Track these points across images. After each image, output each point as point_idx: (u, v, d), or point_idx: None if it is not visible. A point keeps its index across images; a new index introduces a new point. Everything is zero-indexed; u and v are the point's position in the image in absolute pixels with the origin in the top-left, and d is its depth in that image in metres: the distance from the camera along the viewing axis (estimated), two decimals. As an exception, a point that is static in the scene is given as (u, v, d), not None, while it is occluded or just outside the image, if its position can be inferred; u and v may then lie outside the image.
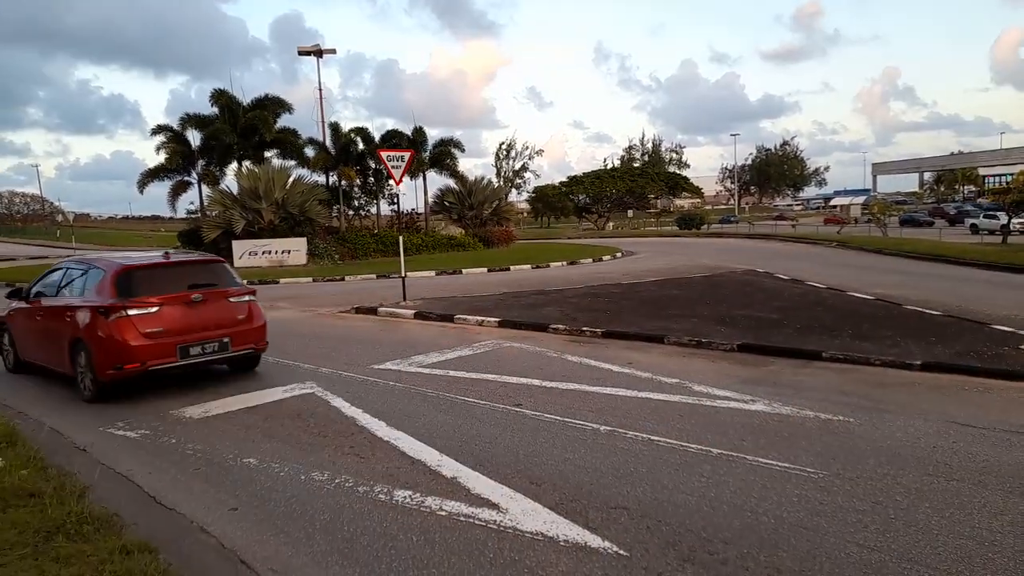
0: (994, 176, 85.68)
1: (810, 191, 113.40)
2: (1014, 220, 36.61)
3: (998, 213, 44.88)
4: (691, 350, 8.69)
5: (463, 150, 35.59)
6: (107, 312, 6.76)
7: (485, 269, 22.30)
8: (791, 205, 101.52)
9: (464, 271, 21.79)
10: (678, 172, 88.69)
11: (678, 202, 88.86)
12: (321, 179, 32.46)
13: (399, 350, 9.02)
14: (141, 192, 31.53)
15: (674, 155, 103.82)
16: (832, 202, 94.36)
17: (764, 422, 5.58)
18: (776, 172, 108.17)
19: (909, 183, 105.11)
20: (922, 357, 7.36)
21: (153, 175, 30.58)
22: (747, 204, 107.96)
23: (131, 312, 6.78)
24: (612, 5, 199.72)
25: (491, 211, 38.06)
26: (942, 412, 5.70)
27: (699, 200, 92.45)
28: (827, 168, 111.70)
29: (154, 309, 6.91)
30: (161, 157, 30.38)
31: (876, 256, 24.30)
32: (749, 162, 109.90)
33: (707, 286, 14.77)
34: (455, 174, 36.06)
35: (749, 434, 5.25)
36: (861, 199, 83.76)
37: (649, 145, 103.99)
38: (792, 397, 6.27)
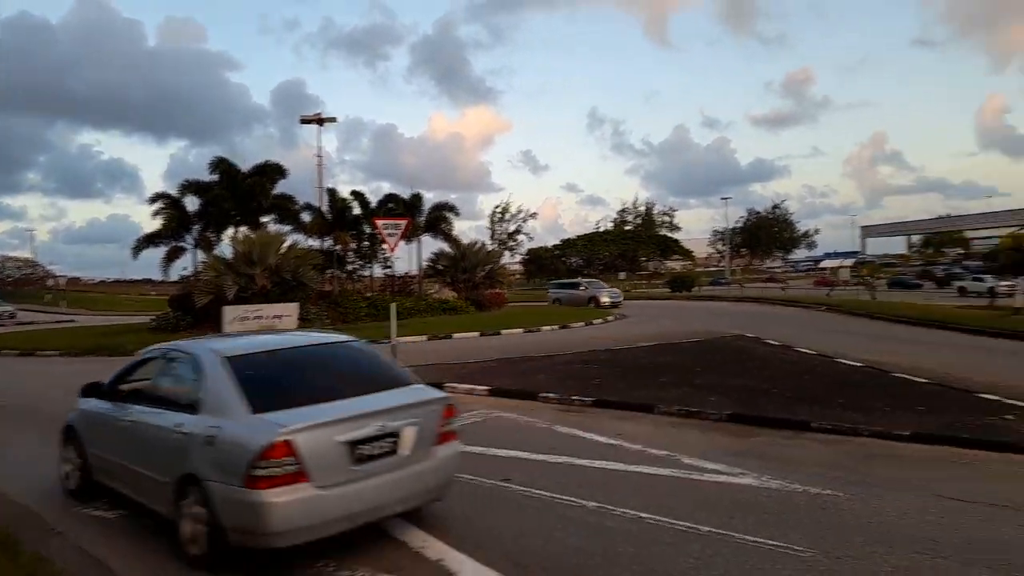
0: (981, 238, 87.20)
1: (800, 253, 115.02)
2: (1000, 283, 37.11)
3: (985, 276, 45.62)
4: (681, 420, 8.68)
5: (458, 214, 36.27)
6: None
7: (477, 333, 22.31)
8: (774, 269, 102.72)
9: (456, 335, 21.80)
10: (669, 235, 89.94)
11: (669, 264, 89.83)
12: (317, 243, 32.80)
13: (388, 420, 8.96)
14: (135, 258, 31.60)
15: (666, 218, 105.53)
16: (822, 264, 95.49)
17: (753, 497, 5.55)
18: (766, 235, 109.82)
19: (897, 245, 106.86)
20: (910, 428, 7.38)
21: (148, 241, 30.76)
22: (738, 266, 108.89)
23: None
24: (606, 72, 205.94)
25: (484, 274, 38.36)
26: (929, 486, 5.69)
27: (690, 262, 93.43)
28: (817, 231, 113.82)
29: None
30: (157, 223, 30.68)
31: (865, 320, 24.44)
32: (740, 225, 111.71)
33: (698, 352, 14.81)
34: (449, 238, 36.57)
35: (738, 510, 5.22)
36: (850, 261, 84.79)
37: (642, 208, 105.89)
38: (781, 470, 6.25)
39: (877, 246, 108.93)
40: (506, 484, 6.04)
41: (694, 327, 21.37)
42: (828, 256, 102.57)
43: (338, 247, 33.50)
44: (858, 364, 12.32)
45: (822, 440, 7.43)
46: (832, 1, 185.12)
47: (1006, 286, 36.36)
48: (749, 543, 4.55)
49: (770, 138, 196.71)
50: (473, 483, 6.12)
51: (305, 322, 26.03)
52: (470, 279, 37.52)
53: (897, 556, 4.28)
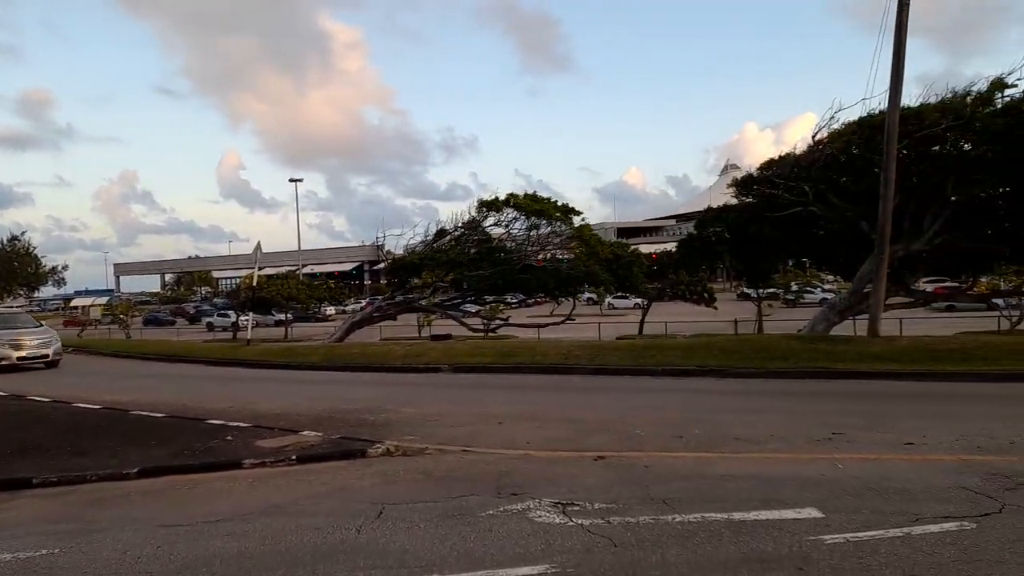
0: (226, 278, 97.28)
1: (48, 291, 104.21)
2: (242, 318, 42.22)
3: (230, 312, 51.10)
4: None
5: None
6: None
7: None
8: (22, 306, 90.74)
9: None
10: None
11: None
12: None
13: None
14: None
15: None
16: (73, 303, 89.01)
17: (-58, 586, 4.60)
18: (6, 269, 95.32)
19: (153, 283, 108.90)
20: (140, 464, 7.50)
21: None
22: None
23: None
24: None
25: None
26: (153, 517, 5.88)
27: None
28: (66, 266, 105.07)
29: None
30: None
31: (114, 360, 23.90)
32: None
33: None
34: None
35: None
36: (104, 299, 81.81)
37: None
38: (-12, 542, 5.40)
39: (132, 284, 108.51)
40: None
41: None
42: (80, 294, 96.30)
43: None
44: (98, 406, 11.83)
45: (46, 495, 6.78)
46: (74, 27, 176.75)
47: (246, 321, 41.62)
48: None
49: (6, 161, 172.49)
50: None
51: None
52: None
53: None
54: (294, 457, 7.58)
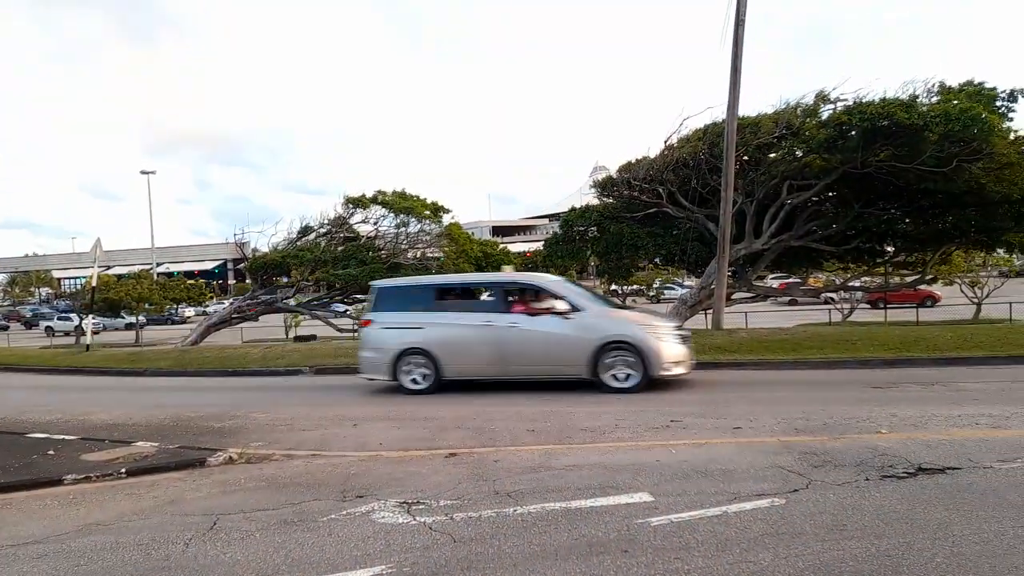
0: (69, 278, 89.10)
1: None
2: (86, 321, 38.79)
3: (72, 315, 46.86)
4: None
5: None
6: None
7: None
8: None
9: None
10: None
11: None
12: None
13: None
14: None
15: None
16: None
17: None
18: None
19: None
20: (-60, 486, 6.72)
21: None
22: None
23: None
24: None
25: None
26: (-53, 545, 5.29)
27: None
28: None
29: None
30: None
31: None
32: None
33: None
34: None
35: None
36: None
37: None
38: None
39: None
40: None
41: None
42: None
43: None
44: None
45: None
46: None
47: (93, 325, 38.26)
48: None
49: None
50: None
51: None
52: None
53: None
54: (123, 471, 7.05)
